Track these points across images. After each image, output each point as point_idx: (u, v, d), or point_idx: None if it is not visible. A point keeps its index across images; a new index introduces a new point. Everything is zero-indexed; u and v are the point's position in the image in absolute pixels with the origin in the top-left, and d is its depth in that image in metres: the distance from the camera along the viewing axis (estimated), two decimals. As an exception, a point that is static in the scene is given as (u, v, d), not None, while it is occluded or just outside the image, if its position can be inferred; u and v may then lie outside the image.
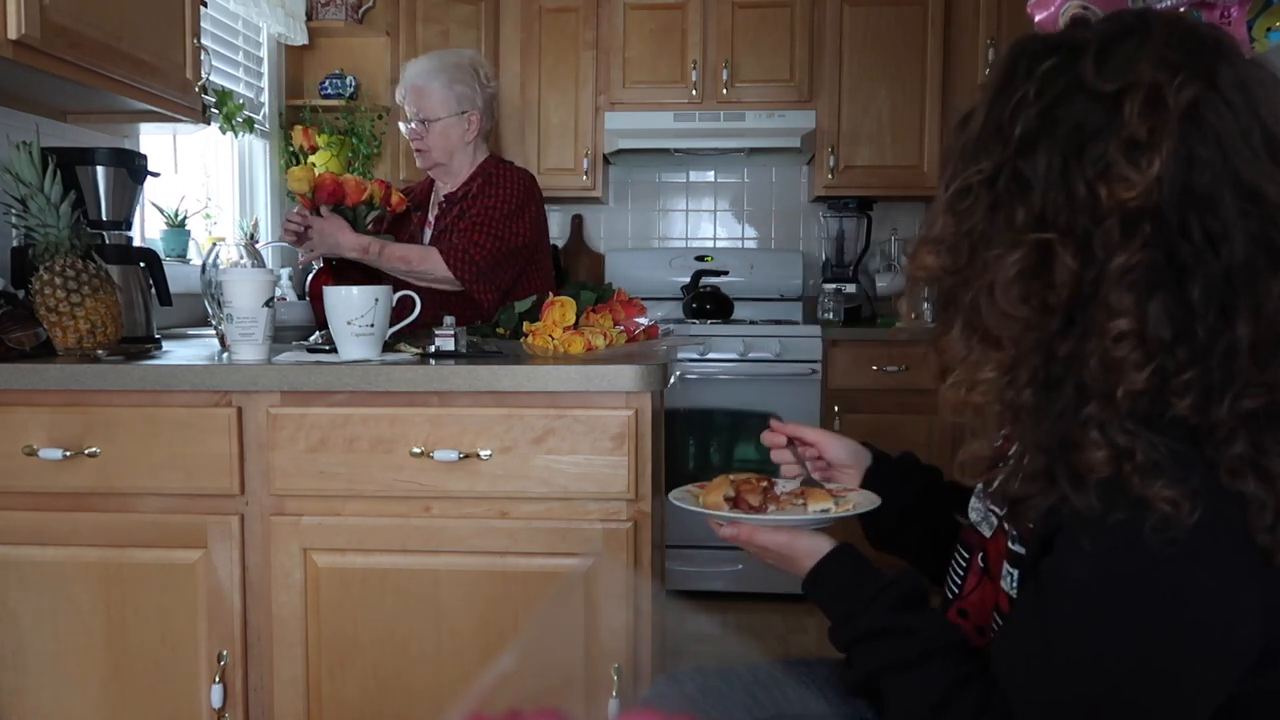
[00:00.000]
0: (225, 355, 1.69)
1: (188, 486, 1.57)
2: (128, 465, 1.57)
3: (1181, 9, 1.67)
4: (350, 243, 2.17)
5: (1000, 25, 3.57)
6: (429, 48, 3.28)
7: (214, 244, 2.06)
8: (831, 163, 3.69)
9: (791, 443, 1.22)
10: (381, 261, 2.20)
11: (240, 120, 3.02)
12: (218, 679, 1.58)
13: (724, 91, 3.67)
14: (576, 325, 1.73)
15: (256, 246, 2.46)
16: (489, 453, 1.53)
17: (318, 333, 1.92)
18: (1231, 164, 0.77)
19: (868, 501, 1.11)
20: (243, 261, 1.94)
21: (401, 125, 2.43)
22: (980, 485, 0.99)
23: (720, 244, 4.11)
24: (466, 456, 1.53)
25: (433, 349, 1.68)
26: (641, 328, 1.86)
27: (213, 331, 1.97)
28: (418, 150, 2.40)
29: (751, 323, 3.58)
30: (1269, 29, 1.65)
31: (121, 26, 1.93)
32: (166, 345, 1.94)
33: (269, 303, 1.60)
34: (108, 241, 1.98)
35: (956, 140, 0.88)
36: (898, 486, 1.16)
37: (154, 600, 1.59)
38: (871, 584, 0.97)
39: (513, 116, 3.71)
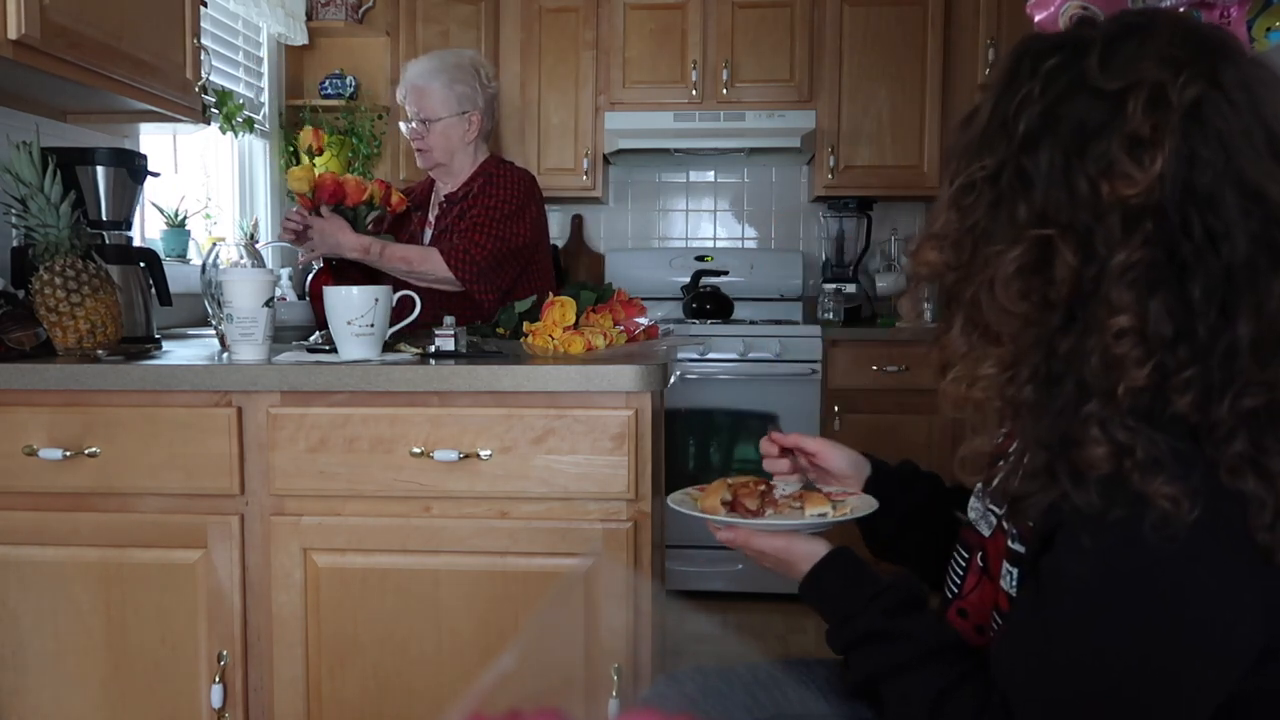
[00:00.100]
0: (225, 355, 1.69)
1: (188, 486, 1.57)
2: (128, 465, 1.57)
3: (1181, 9, 1.67)
4: (351, 243, 2.17)
5: (1000, 25, 3.57)
6: (429, 48, 3.29)
7: (214, 244, 2.06)
8: (831, 163, 3.69)
9: (791, 452, 1.22)
10: (382, 262, 2.20)
11: (240, 120, 3.02)
12: (218, 679, 1.58)
13: (724, 91, 3.67)
14: (576, 325, 1.73)
15: (256, 246, 2.46)
16: (489, 453, 1.53)
17: (318, 333, 1.92)
18: (1234, 163, 0.78)
19: (865, 505, 1.11)
20: (243, 261, 1.94)
21: (402, 125, 2.43)
22: (979, 484, 1.00)
23: (720, 244, 4.11)
24: (466, 456, 1.53)
25: (433, 349, 1.68)
26: (641, 328, 1.86)
27: (213, 331, 1.97)
28: (419, 150, 2.40)
29: (751, 323, 3.58)
30: (1269, 29, 1.65)
31: (121, 26, 1.93)
32: (166, 345, 1.94)
33: (269, 303, 1.60)
34: (108, 241, 1.98)
35: (960, 137, 0.89)
36: (897, 495, 1.16)
37: (154, 600, 1.59)
38: (868, 587, 0.98)
39: (513, 116, 3.71)
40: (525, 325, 1.79)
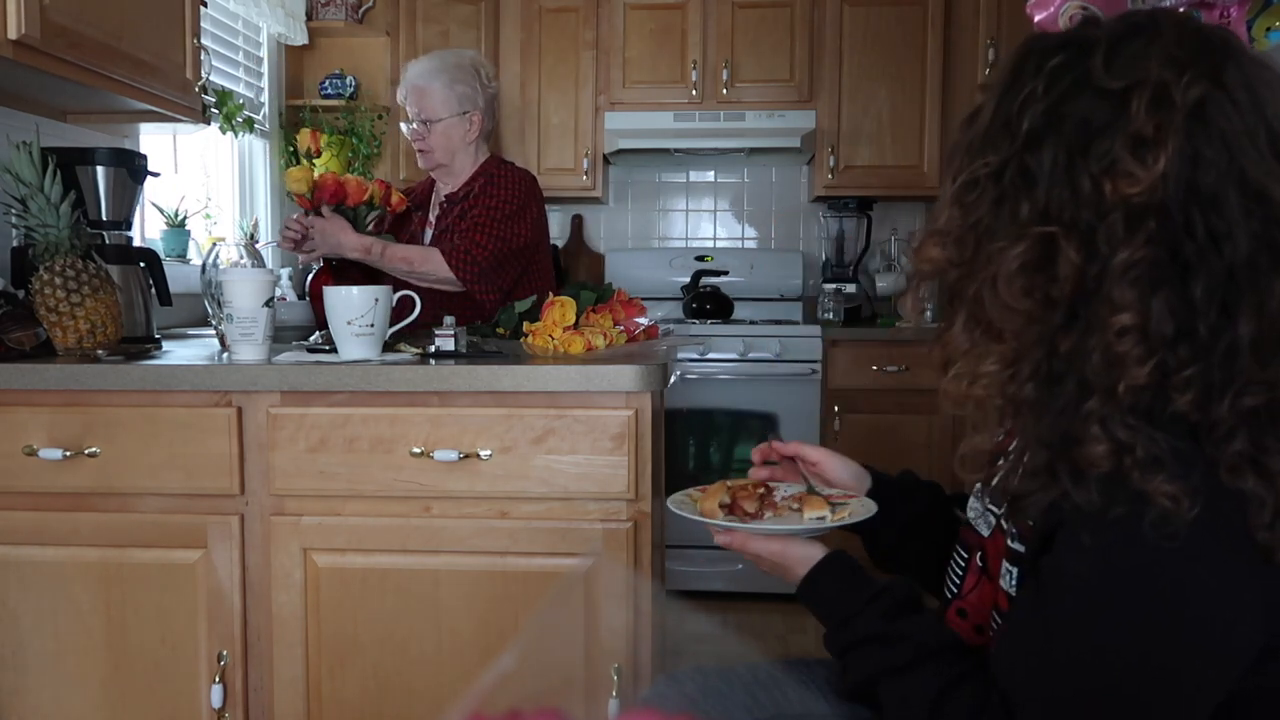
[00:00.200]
0: (225, 355, 1.69)
1: (188, 486, 1.57)
2: (128, 465, 1.57)
3: (1181, 9, 1.67)
4: (352, 243, 2.17)
5: (1000, 25, 3.57)
6: (429, 48, 3.29)
7: (214, 244, 2.06)
8: (831, 163, 3.69)
9: (790, 459, 1.22)
10: (383, 262, 2.20)
11: (240, 120, 3.02)
12: (218, 679, 1.58)
13: (724, 91, 3.67)
14: (576, 325, 1.73)
15: (256, 246, 2.46)
16: (489, 453, 1.53)
17: (318, 333, 1.92)
18: (1237, 163, 0.78)
19: (864, 510, 1.11)
20: (243, 261, 1.94)
21: (403, 126, 2.43)
22: (978, 484, 1.00)
23: (720, 244, 4.11)
24: (466, 456, 1.53)
25: (433, 349, 1.68)
26: (641, 328, 1.86)
27: (213, 331, 1.97)
28: (420, 151, 2.40)
29: (751, 323, 3.58)
30: (1269, 29, 1.65)
31: (121, 26, 1.93)
32: (166, 345, 1.94)
33: (269, 303, 1.60)
34: (108, 241, 1.98)
35: (964, 135, 0.89)
36: (897, 506, 1.16)
37: (154, 600, 1.59)
38: (864, 590, 0.98)
39: (513, 116, 3.71)
40: (525, 325, 1.79)
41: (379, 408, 1.54)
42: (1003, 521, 0.94)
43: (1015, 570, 0.90)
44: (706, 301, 3.68)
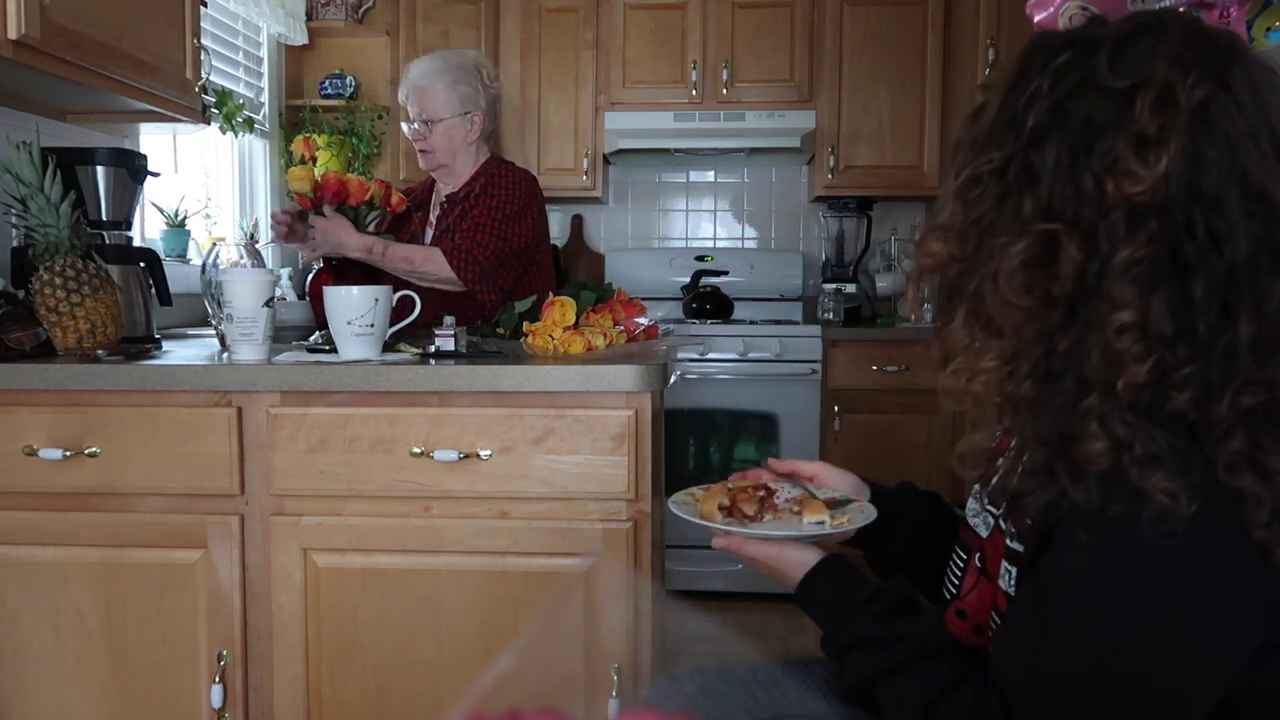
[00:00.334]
0: (225, 355, 1.69)
1: (188, 486, 1.57)
2: (128, 465, 1.57)
3: (1181, 9, 1.67)
4: (354, 242, 2.17)
5: (1000, 25, 3.57)
6: (429, 48, 3.29)
7: (214, 244, 2.06)
8: (831, 163, 3.69)
9: (790, 476, 1.23)
10: (385, 261, 2.20)
11: (240, 120, 3.02)
12: (218, 679, 1.58)
13: (724, 91, 3.67)
14: (576, 325, 1.73)
15: (256, 246, 2.46)
16: (489, 453, 1.53)
17: (318, 333, 1.92)
18: (1239, 164, 0.78)
19: (863, 517, 1.11)
20: (243, 261, 1.94)
21: (404, 125, 2.43)
22: (977, 486, 1.00)
23: (720, 244, 4.11)
24: (466, 456, 1.53)
25: (433, 349, 1.68)
26: (641, 328, 1.86)
27: (213, 331, 1.97)
28: (421, 151, 2.40)
29: (751, 323, 3.58)
30: (1269, 29, 1.65)
31: (121, 26, 1.93)
32: (166, 345, 1.94)
33: (269, 303, 1.60)
34: (108, 241, 1.98)
35: (968, 131, 0.89)
36: (898, 517, 1.16)
37: (154, 600, 1.59)
38: (860, 592, 0.99)
39: (513, 116, 3.71)
40: (525, 325, 1.79)
41: (379, 408, 1.54)
42: (1001, 521, 0.94)
43: (1014, 570, 0.90)
44: (706, 301, 3.68)
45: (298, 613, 1.58)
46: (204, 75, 2.42)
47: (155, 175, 2.12)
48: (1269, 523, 0.76)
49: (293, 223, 2.19)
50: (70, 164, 1.85)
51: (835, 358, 3.41)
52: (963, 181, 0.87)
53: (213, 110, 2.88)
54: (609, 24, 3.69)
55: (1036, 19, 1.83)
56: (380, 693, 1.58)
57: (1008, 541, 0.92)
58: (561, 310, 1.72)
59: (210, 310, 1.86)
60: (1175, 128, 0.78)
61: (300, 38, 3.39)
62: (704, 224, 4.13)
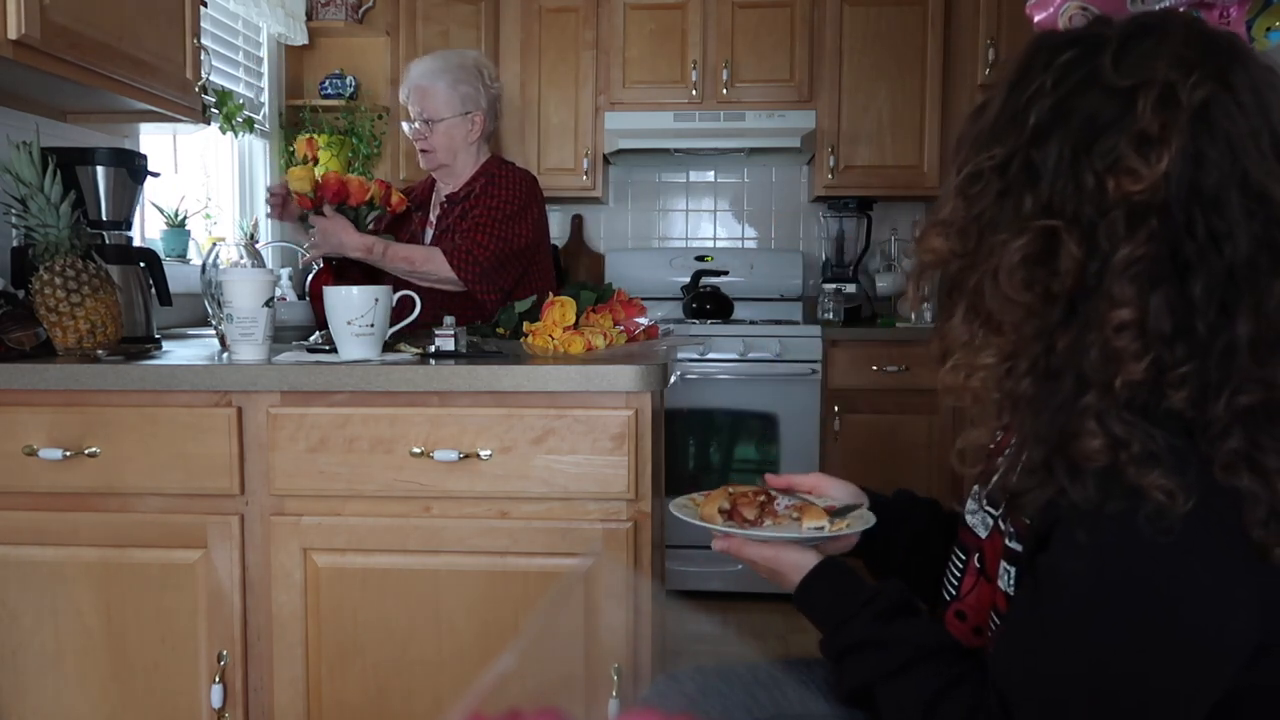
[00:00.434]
0: (225, 355, 1.69)
1: (188, 486, 1.57)
2: (128, 465, 1.57)
3: (1180, 9, 1.67)
4: (354, 242, 2.17)
5: (1000, 25, 3.57)
6: (429, 48, 3.29)
7: (214, 244, 2.06)
8: (831, 163, 3.69)
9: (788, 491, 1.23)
10: (385, 261, 2.21)
11: (240, 120, 3.02)
12: (218, 679, 1.58)
13: (724, 91, 3.67)
14: (576, 325, 1.73)
15: (256, 246, 2.46)
16: (489, 453, 1.53)
17: (318, 333, 1.92)
18: (1240, 164, 0.78)
19: (862, 522, 1.12)
20: (243, 261, 1.94)
21: (405, 125, 2.43)
22: (976, 487, 1.00)
23: (720, 244, 4.11)
24: (466, 456, 1.53)
25: (433, 349, 1.68)
26: (641, 328, 1.86)
27: (213, 331, 1.97)
28: (422, 151, 2.40)
29: (751, 323, 3.58)
30: (1269, 29, 1.65)
31: (121, 26, 1.93)
32: (166, 345, 1.94)
33: (269, 303, 1.60)
34: (108, 241, 1.98)
35: (971, 127, 0.90)
36: (895, 527, 1.17)
37: (154, 600, 1.59)
38: (858, 595, 0.99)
39: (513, 116, 3.71)
40: (525, 325, 1.79)
41: (379, 408, 1.54)
42: (1000, 522, 0.94)
43: (1013, 570, 0.90)
44: (706, 301, 3.68)
45: (298, 613, 1.58)
46: (204, 75, 2.42)
47: (155, 175, 2.12)
48: (1266, 522, 0.76)
49: (286, 197, 2.20)
50: (70, 164, 1.85)
51: (835, 358, 3.41)
52: (964, 178, 0.87)
53: (213, 110, 2.87)
54: (609, 24, 3.69)
55: (1036, 19, 1.83)
56: (380, 692, 1.58)
57: (1006, 541, 0.92)
58: (561, 310, 1.72)
59: (210, 310, 1.86)
60: (1177, 127, 0.78)
61: (300, 38, 3.39)
62: (704, 224, 4.13)
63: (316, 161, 2.31)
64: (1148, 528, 0.74)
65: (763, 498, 1.14)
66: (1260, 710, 0.82)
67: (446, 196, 2.43)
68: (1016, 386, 0.84)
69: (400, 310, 1.72)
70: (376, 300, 1.61)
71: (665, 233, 4.14)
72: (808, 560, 1.04)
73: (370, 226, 2.23)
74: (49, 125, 2.15)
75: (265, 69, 3.36)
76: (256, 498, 1.58)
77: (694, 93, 3.67)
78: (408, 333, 1.81)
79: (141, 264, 2.00)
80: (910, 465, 3.35)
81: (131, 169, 2.01)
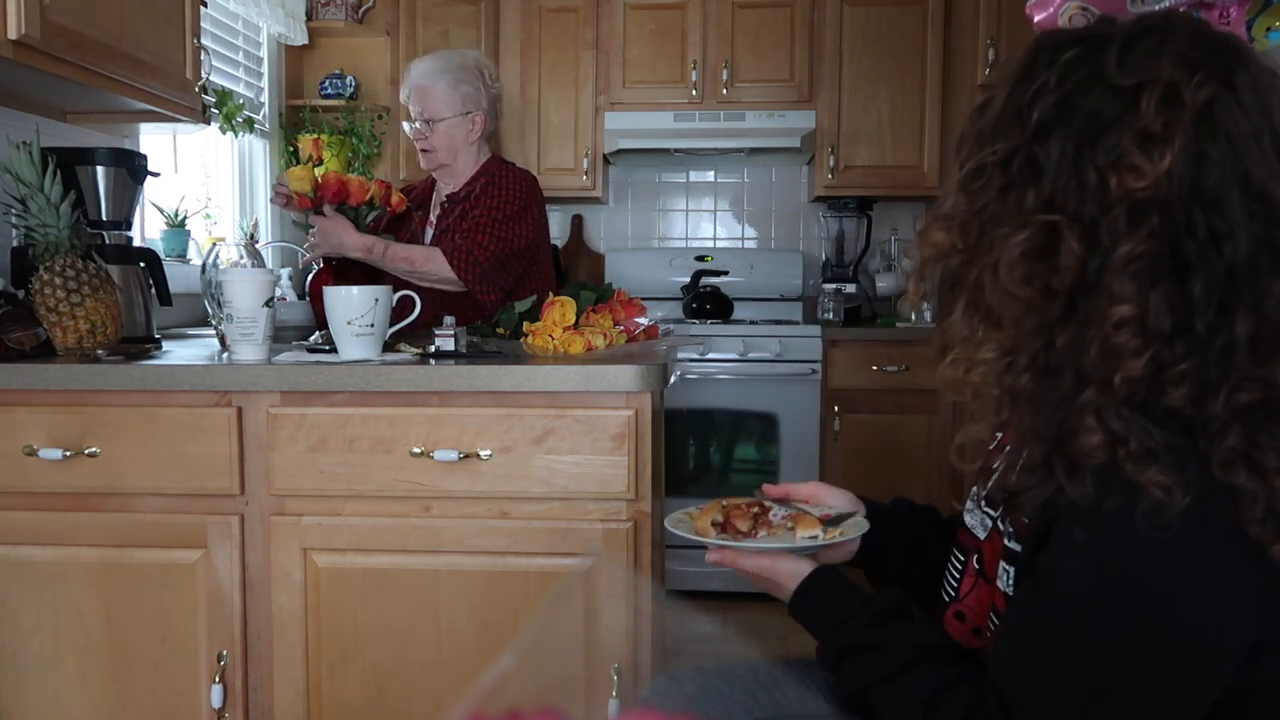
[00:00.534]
0: (225, 355, 1.69)
1: (188, 486, 1.57)
2: (128, 465, 1.57)
3: (1180, 9, 1.67)
4: (355, 242, 2.17)
5: (1000, 25, 3.57)
6: (429, 48, 3.29)
7: (214, 244, 2.06)
8: (831, 163, 3.69)
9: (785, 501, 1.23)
10: (385, 261, 2.20)
11: (240, 120, 3.02)
12: (218, 679, 1.58)
13: (724, 91, 3.67)
14: (576, 325, 1.73)
15: (256, 246, 2.46)
16: (489, 453, 1.53)
17: (318, 333, 1.92)
18: (1242, 164, 0.79)
19: (856, 529, 1.13)
20: (243, 261, 1.94)
21: (405, 125, 2.43)
22: (974, 490, 1.01)
23: (720, 244, 4.11)
24: (466, 456, 1.53)
25: (433, 349, 1.68)
26: (641, 328, 1.86)
27: (213, 331, 1.97)
28: (422, 151, 2.40)
29: (751, 323, 3.58)
30: (1269, 29, 1.65)
31: (121, 26, 1.93)
32: (166, 345, 1.94)
33: (269, 303, 1.60)
34: (108, 241, 1.98)
35: (974, 124, 0.90)
36: (892, 535, 1.17)
37: (154, 600, 1.59)
38: (854, 599, 1.00)
39: (513, 116, 3.71)
40: (525, 325, 1.79)
41: (379, 408, 1.54)
42: (999, 522, 0.95)
43: (1012, 570, 0.90)
44: (706, 301, 3.68)
45: (298, 613, 1.58)
46: (204, 75, 2.42)
47: (155, 175, 2.12)
48: (1264, 519, 0.76)
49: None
50: (70, 164, 1.85)
51: (835, 358, 3.41)
52: (966, 172, 0.88)
53: (213, 110, 2.87)
54: (609, 24, 3.69)
55: (1036, 19, 1.83)
56: (380, 692, 1.58)
57: (1005, 541, 0.92)
58: (561, 310, 1.72)
59: (210, 310, 1.86)
60: (1179, 126, 0.78)
61: (300, 38, 3.39)
62: (704, 224, 4.13)
63: (321, 162, 2.31)
64: (1145, 524, 0.74)
65: (756, 509, 1.14)
66: (1259, 708, 0.82)
67: (447, 196, 2.43)
68: (1016, 382, 0.84)
69: (400, 310, 1.72)
70: (376, 300, 1.61)
71: (665, 233, 4.14)
72: (802, 568, 1.05)
73: (369, 226, 2.23)
74: (49, 125, 2.15)
75: (265, 69, 3.36)
76: (256, 498, 1.58)
77: (694, 93, 3.67)
78: (408, 333, 1.81)
79: (141, 264, 2.00)
80: (910, 465, 3.35)
81: (131, 169, 2.01)
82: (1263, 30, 1.65)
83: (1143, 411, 0.78)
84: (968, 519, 1.02)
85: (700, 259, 3.92)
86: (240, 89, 3.18)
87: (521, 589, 1.55)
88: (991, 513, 0.97)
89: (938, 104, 3.62)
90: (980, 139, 0.88)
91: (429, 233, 2.43)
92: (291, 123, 3.48)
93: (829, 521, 1.13)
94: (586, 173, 3.76)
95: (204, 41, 2.39)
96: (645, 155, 3.83)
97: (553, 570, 1.54)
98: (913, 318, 3.60)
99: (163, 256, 2.24)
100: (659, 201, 4.13)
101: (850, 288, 3.72)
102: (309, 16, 3.45)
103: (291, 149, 3.43)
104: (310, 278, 2.31)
